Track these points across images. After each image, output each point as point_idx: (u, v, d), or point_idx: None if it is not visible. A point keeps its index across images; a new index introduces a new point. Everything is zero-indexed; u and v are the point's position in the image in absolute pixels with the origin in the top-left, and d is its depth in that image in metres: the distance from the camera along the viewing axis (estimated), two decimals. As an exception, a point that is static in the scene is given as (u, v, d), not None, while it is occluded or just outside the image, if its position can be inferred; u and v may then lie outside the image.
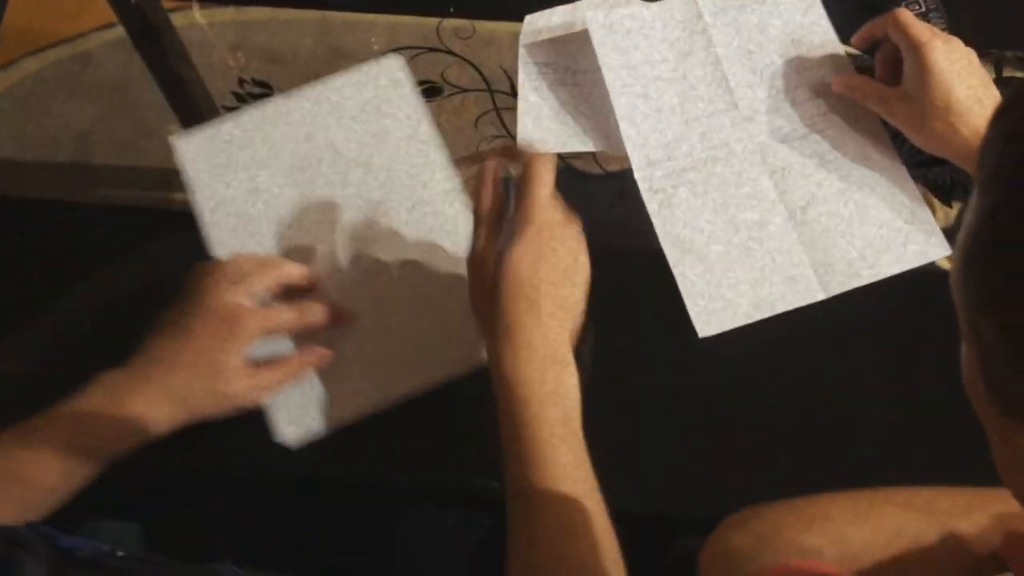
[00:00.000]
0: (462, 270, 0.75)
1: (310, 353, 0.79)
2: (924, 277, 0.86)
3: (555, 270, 0.68)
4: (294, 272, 0.78)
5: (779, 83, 0.92)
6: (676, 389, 0.82)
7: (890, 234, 0.87)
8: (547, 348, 0.66)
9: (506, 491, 0.65)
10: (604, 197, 0.90)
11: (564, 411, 0.66)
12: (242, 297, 0.74)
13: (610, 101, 0.90)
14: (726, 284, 0.85)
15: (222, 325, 0.73)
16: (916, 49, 0.81)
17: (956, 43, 0.82)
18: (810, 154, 0.89)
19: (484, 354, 0.72)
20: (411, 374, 0.80)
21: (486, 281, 0.69)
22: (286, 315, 0.77)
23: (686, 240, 0.87)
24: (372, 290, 0.84)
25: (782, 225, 0.87)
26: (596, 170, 0.92)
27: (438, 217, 0.87)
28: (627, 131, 0.90)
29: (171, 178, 0.92)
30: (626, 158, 0.89)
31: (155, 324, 0.75)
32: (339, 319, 0.80)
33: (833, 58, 0.92)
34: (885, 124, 0.89)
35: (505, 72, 0.95)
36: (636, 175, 0.89)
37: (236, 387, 0.74)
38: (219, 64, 0.96)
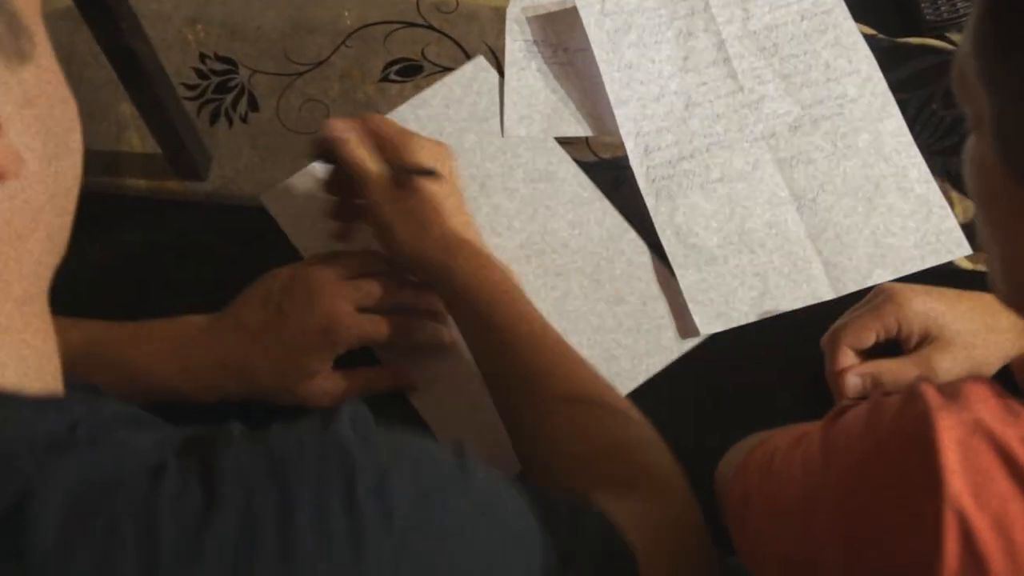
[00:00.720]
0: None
1: (390, 372, 0.77)
2: (941, 277, 0.80)
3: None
4: (406, 292, 0.76)
5: (788, 65, 0.86)
6: (676, 388, 0.78)
7: (906, 230, 0.81)
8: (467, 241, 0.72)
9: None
10: (598, 186, 0.84)
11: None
12: (348, 302, 0.72)
13: (604, 83, 0.84)
14: (729, 280, 0.80)
15: (319, 328, 0.71)
16: (899, 318, 0.73)
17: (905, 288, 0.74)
18: (821, 142, 0.84)
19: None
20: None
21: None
22: (385, 331, 0.74)
23: (687, 233, 0.81)
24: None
25: (790, 218, 0.82)
26: (589, 157, 0.86)
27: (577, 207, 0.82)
28: (622, 115, 0.84)
29: (121, 162, 0.86)
30: (621, 144, 0.84)
31: (256, 289, 0.73)
32: (439, 346, 0.77)
33: (846, 37, 0.86)
34: (903, 109, 0.83)
35: (490, 49, 0.89)
36: (632, 163, 0.83)
37: (310, 393, 0.72)
38: (176, 38, 0.89)
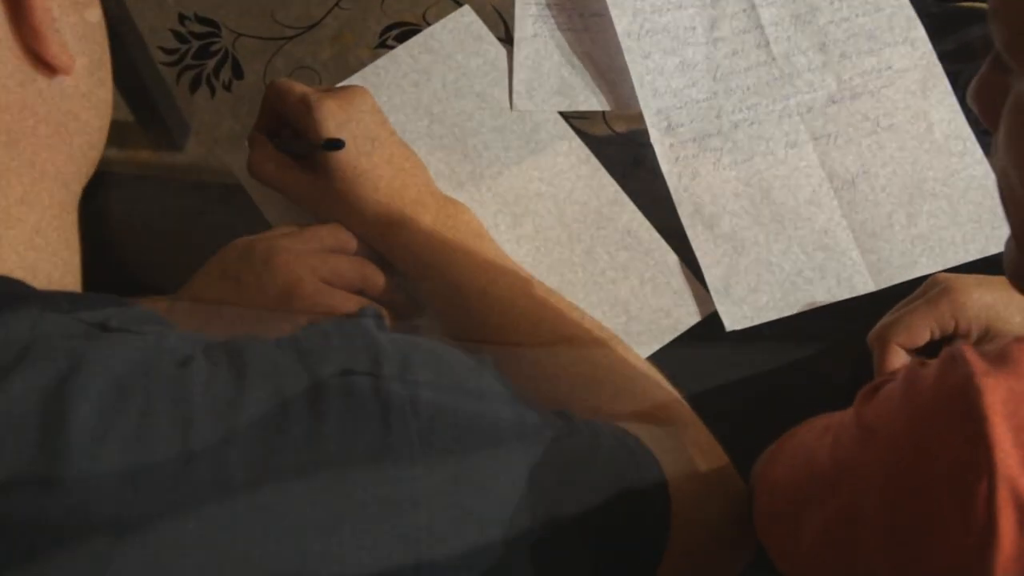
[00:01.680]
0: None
1: None
2: (990, 268, 0.74)
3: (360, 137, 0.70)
4: (379, 282, 0.72)
5: (826, 33, 0.80)
6: (698, 389, 0.73)
7: (955, 217, 0.76)
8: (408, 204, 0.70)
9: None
10: (614, 165, 0.78)
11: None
12: (309, 271, 0.69)
13: (623, 52, 0.77)
14: (758, 271, 0.74)
15: (278, 295, 0.68)
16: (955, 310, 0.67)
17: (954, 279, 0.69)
18: (861, 118, 0.78)
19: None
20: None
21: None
22: (345, 304, 0.70)
23: (711, 218, 0.75)
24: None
25: (826, 202, 0.76)
26: (605, 132, 0.80)
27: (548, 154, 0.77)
28: (643, 88, 0.78)
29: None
30: (641, 118, 0.78)
31: (213, 262, 0.69)
32: (403, 316, 0.74)
33: (890, 3, 0.80)
34: (953, 82, 0.77)
35: (498, 13, 0.83)
36: (653, 140, 0.78)
37: None
38: (152, -4, 0.82)
